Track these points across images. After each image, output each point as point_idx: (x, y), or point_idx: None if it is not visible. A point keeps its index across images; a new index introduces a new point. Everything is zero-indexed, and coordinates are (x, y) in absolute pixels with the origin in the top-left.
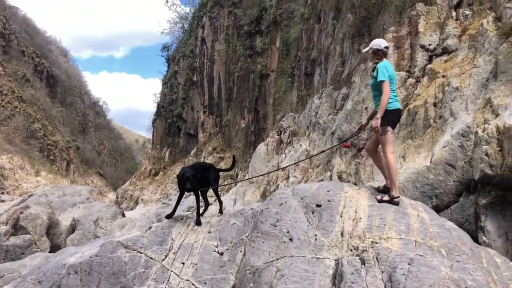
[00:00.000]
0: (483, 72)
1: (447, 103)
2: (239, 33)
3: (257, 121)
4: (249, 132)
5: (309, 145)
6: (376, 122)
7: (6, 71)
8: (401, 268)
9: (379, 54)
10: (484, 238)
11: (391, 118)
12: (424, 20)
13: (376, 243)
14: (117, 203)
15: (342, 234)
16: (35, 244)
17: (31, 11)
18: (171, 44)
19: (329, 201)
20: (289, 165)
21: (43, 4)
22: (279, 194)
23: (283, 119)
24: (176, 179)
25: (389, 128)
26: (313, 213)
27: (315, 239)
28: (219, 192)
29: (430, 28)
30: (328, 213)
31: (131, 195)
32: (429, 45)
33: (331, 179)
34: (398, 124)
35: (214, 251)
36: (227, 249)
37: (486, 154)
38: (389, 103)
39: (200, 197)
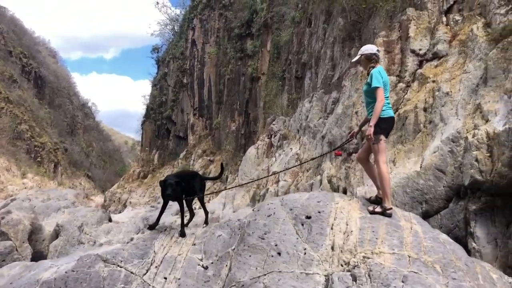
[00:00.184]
0: (473, 77)
1: (437, 108)
2: (230, 36)
3: (247, 124)
4: (239, 135)
5: (299, 149)
6: (370, 130)
7: None
8: (395, 286)
9: (374, 59)
10: (474, 244)
11: (384, 126)
12: (415, 25)
13: (368, 258)
14: (103, 207)
15: (332, 248)
16: (17, 250)
17: (19, 11)
18: (161, 46)
19: (319, 212)
20: (280, 171)
21: (32, 5)
22: (267, 204)
23: (273, 123)
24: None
25: (382, 137)
26: (302, 225)
27: (305, 253)
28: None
29: (421, 33)
30: (318, 225)
31: (119, 198)
32: (420, 50)
33: (321, 184)
34: None
35: (199, 264)
36: (212, 263)
37: (476, 160)
38: (383, 110)
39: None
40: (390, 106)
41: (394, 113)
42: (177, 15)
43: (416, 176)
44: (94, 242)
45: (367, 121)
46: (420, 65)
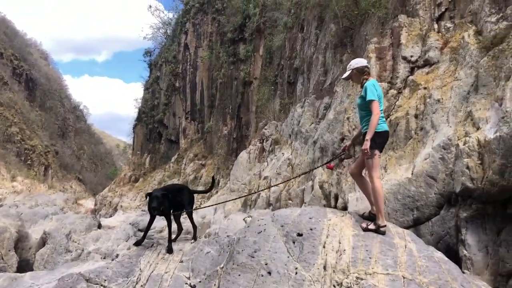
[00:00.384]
0: (464, 85)
1: (428, 115)
2: (223, 40)
3: (239, 128)
4: (231, 139)
5: (291, 154)
6: (366, 144)
7: None
8: None
9: (366, 71)
10: (465, 252)
11: (379, 141)
12: (406, 32)
13: (362, 279)
14: (93, 212)
15: (324, 268)
16: (2, 259)
17: (11, 12)
18: (154, 50)
19: (311, 229)
20: (274, 185)
21: (23, 7)
22: (258, 220)
23: (265, 127)
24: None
25: (377, 152)
26: (294, 242)
27: (296, 273)
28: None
29: (412, 39)
30: (310, 243)
31: (110, 202)
32: (411, 56)
33: (312, 189)
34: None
35: (186, 283)
36: (200, 281)
37: (467, 167)
38: (378, 124)
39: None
40: (385, 120)
41: (386, 119)
42: (170, 18)
43: (407, 183)
44: (82, 250)
45: (360, 134)
46: (412, 72)
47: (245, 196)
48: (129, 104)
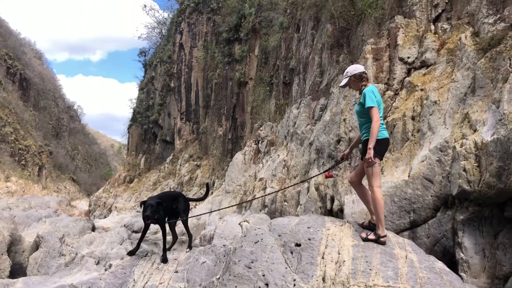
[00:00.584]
0: (461, 86)
1: (425, 116)
2: (218, 40)
3: (234, 129)
4: (227, 140)
5: (286, 155)
6: (369, 153)
7: None
8: None
9: (364, 77)
10: (462, 255)
11: (379, 149)
12: (403, 33)
13: None
14: (87, 215)
15: (324, 280)
16: None
17: (5, 12)
18: (149, 50)
19: (309, 239)
20: (273, 192)
21: (17, 6)
22: (255, 230)
23: (260, 128)
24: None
25: (377, 160)
26: (291, 253)
27: (294, 285)
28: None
29: (409, 41)
30: (309, 253)
31: (105, 203)
32: (408, 58)
33: (308, 191)
34: None
35: None
36: None
37: (464, 170)
38: (378, 131)
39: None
40: (385, 126)
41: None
42: (165, 18)
43: (404, 185)
44: (76, 254)
45: (358, 142)
46: (409, 73)
47: (245, 202)
48: (124, 104)
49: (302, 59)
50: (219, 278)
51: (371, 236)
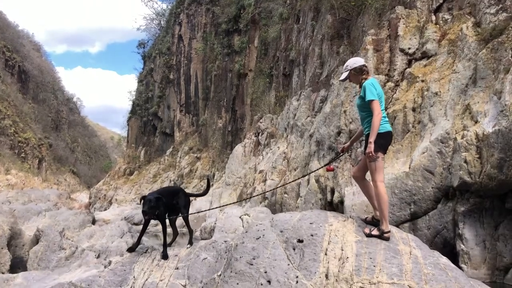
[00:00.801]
0: (462, 77)
1: (426, 108)
2: (217, 31)
3: (234, 121)
4: (226, 132)
5: (286, 148)
6: (370, 147)
7: None
8: None
9: (365, 70)
10: (462, 246)
11: (382, 142)
12: (404, 24)
13: None
14: (87, 208)
15: (327, 276)
16: None
17: (2, 4)
18: (147, 41)
19: (312, 235)
20: (275, 188)
21: None
22: (256, 225)
23: (260, 120)
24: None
25: (380, 154)
26: (294, 249)
27: (297, 282)
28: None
29: (410, 31)
30: (311, 250)
31: (105, 195)
32: (409, 49)
33: (308, 183)
34: None
35: None
36: None
37: (465, 161)
38: (380, 125)
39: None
40: (387, 119)
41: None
42: (164, 9)
43: (404, 177)
44: (76, 247)
45: (360, 135)
46: (409, 64)
47: (247, 198)
48: (124, 96)
49: (302, 50)
50: (220, 275)
51: (375, 232)
